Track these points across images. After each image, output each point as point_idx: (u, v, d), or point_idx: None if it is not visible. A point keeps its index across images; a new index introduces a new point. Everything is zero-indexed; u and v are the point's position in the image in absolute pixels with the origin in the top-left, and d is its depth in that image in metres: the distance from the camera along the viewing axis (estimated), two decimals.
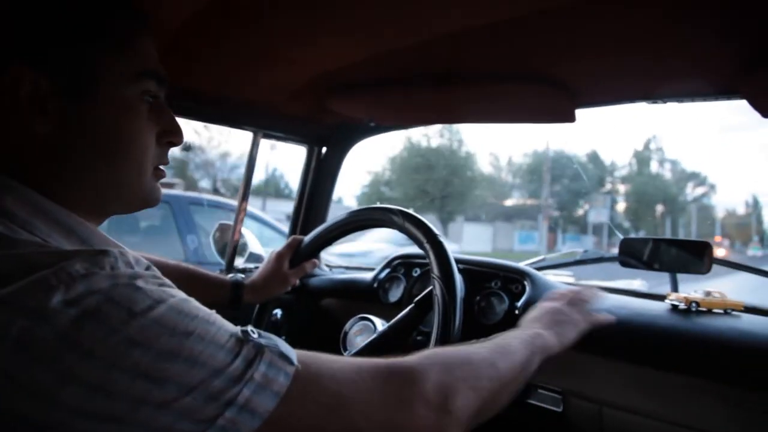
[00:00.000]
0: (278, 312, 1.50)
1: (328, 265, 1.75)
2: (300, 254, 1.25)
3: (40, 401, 0.45)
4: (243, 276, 1.24)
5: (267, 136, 1.48)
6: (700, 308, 1.13)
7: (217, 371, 0.49)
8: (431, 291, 1.04)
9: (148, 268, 0.54)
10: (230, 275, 1.25)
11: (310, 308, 1.61)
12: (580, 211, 38.12)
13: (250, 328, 0.54)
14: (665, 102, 1.13)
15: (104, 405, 0.46)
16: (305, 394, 0.53)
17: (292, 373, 0.53)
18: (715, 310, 1.13)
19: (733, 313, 1.13)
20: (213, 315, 0.54)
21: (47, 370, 0.45)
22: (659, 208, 43.61)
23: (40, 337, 0.45)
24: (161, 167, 0.68)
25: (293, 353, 0.55)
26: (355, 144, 1.65)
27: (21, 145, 0.57)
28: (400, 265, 1.50)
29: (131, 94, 0.61)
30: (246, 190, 1.52)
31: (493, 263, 1.36)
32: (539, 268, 1.41)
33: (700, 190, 50.01)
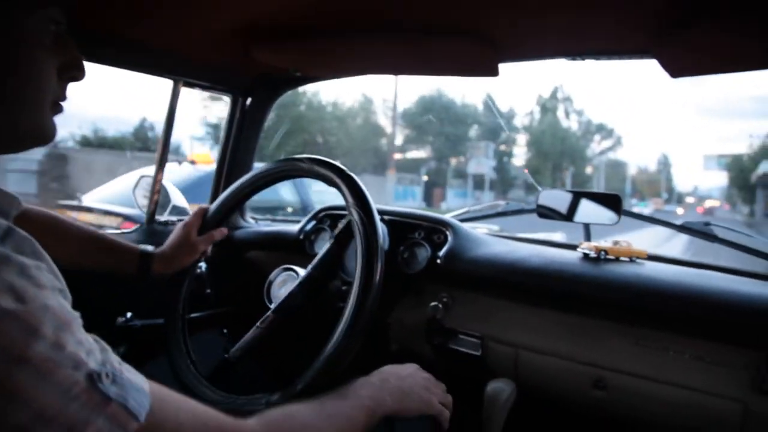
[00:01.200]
0: (203, 266, 1.48)
1: (253, 218, 1.73)
2: (209, 221, 1.21)
3: None
4: (152, 247, 1.16)
5: (188, 85, 1.42)
6: (609, 256, 1.20)
7: (42, 418, 0.42)
8: (350, 222, 1.04)
9: (6, 235, 0.46)
10: (140, 245, 1.18)
11: (235, 261, 1.59)
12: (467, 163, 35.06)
13: (108, 368, 0.48)
14: (583, 59, 1.17)
15: None
16: None
17: (133, 431, 0.47)
18: (622, 258, 1.21)
19: (638, 260, 1.22)
20: (65, 331, 0.45)
21: None
22: (562, 161, 42.69)
23: None
24: (59, 103, 0.63)
25: (145, 405, 0.49)
26: (280, 95, 1.61)
27: None
28: (326, 217, 1.50)
29: (34, 21, 0.56)
30: (166, 141, 1.46)
31: (416, 214, 1.39)
32: (463, 220, 1.45)
33: (606, 143, 49.31)
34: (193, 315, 1.17)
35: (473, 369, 1.27)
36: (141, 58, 1.30)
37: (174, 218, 1.51)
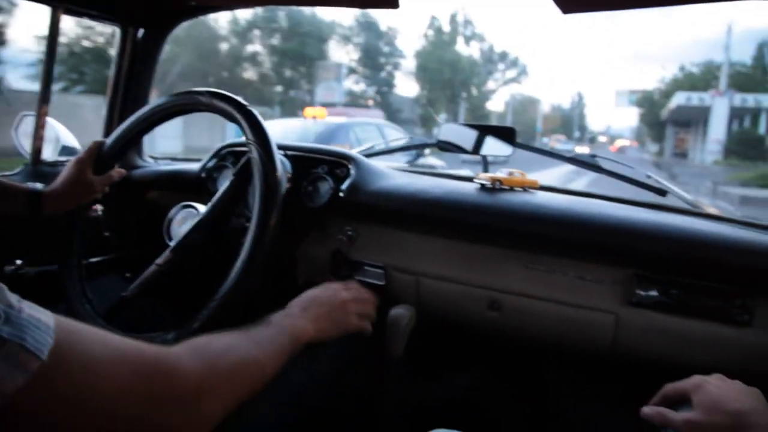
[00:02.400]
0: (99, 208, 1.42)
1: (152, 157, 1.67)
2: (105, 156, 1.14)
3: None
4: (41, 185, 1.11)
5: (69, 12, 1.31)
6: (503, 186, 1.26)
7: None
8: (249, 158, 1.03)
9: None
10: (28, 183, 1.12)
11: (134, 202, 1.54)
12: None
13: (8, 307, 0.46)
14: None
15: None
16: (46, 389, 0.47)
17: (34, 370, 0.45)
18: (516, 188, 1.27)
19: (530, 190, 1.28)
20: None
21: None
22: (460, 92, 39.45)
23: None
24: None
25: (46, 342, 0.47)
26: (176, 25, 1.52)
27: None
28: (228, 154, 1.47)
29: None
30: (48, 74, 1.35)
31: (320, 149, 1.39)
32: (368, 155, 1.46)
33: (511, 73, 45.89)
34: (91, 260, 1.13)
35: (378, 298, 1.31)
36: None
37: (63, 158, 1.43)
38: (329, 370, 1.08)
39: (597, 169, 1.39)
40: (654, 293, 1.06)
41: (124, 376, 0.52)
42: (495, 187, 1.25)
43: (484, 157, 1.46)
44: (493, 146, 1.38)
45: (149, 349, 0.56)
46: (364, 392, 1.16)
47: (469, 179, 1.35)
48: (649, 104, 48.25)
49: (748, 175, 18.76)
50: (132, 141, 1.15)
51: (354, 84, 35.61)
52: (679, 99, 35.59)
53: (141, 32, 1.49)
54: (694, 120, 39.51)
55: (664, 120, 43.56)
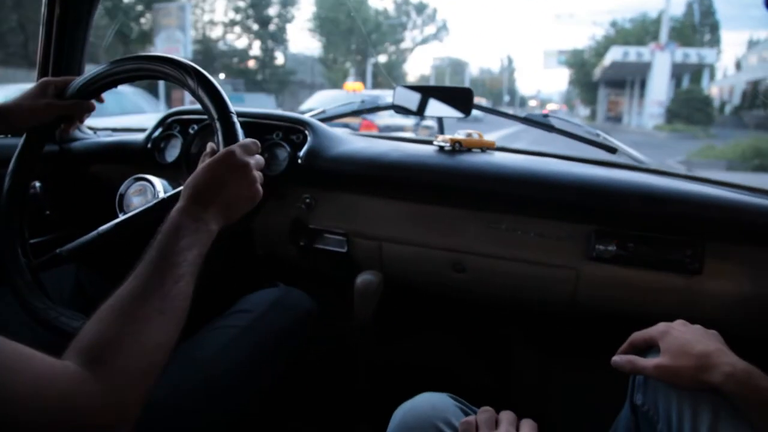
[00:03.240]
0: (36, 184, 1.32)
1: (91, 128, 1.57)
2: (72, 90, 0.99)
3: None
4: None
5: None
6: (462, 148, 1.26)
7: None
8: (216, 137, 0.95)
9: None
10: None
11: (77, 177, 1.44)
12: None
13: None
14: None
15: None
16: None
17: None
18: (474, 150, 1.27)
19: (488, 151, 1.29)
20: None
21: None
22: (366, 49, 33.28)
23: None
24: None
25: None
26: None
27: None
28: (175, 123, 1.40)
29: None
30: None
31: (273, 114, 1.34)
32: (322, 120, 1.43)
33: (430, 30, 39.06)
34: (33, 240, 1.04)
35: (340, 265, 1.30)
36: None
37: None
38: (283, 341, 1.05)
39: (550, 128, 1.41)
40: (612, 248, 1.10)
41: (36, 408, 0.47)
42: (455, 149, 1.25)
43: (440, 120, 1.45)
44: (448, 109, 1.38)
45: (61, 375, 0.50)
46: (334, 358, 1.15)
47: (428, 142, 1.34)
48: (580, 64, 43.78)
49: (726, 150, 13.39)
50: (109, 84, 0.97)
51: (237, 38, 30.14)
52: (614, 54, 31.35)
53: None
54: (629, 79, 35.89)
55: (596, 81, 40.32)
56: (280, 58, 31.13)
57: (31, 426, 0.46)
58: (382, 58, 36.50)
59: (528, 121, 1.43)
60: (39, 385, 0.47)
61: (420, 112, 1.38)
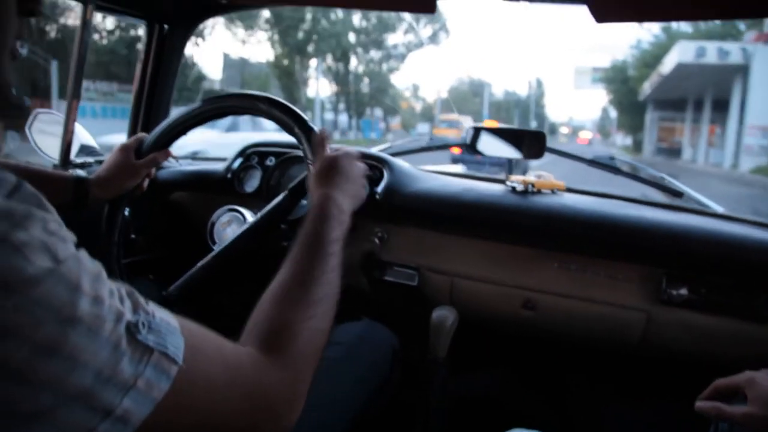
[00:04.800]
0: (125, 210, 1.40)
1: (174, 157, 1.65)
2: (149, 144, 1.12)
3: None
4: (84, 172, 1.11)
5: (100, 9, 1.29)
6: (534, 189, 1.29)
7: (101, 377, 0.41)
8: (305, 177, 1.03)
9: (16, 190, 0.42)
10: (71, 171, 1.11)
11: (160, 203, 1.52)
12: None
13: (140, 315, 0.46)
14: (518, 0, 1.20)
15: None
16: (181, 396, 0.47)
17: (174, 376, 0.46)
18: (544, 191, 1.31)
19: (558, 192, 1.33)
20: (98, 282, 0.44)
21: None
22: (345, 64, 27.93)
23: None
24: (17, 44, 0.53)
25: (180, 347, 0.48)
26: (200, 22, 1.51)
27: None
28: (253, 155, 1.47)
29: None
30: (78, 75, 1.33)
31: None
32: (391, 155, 1.48)
33: (426, 31, 29.81)
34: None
35: (410, 299, 1.34)
36: None
37: (91, 159, 1.40)
38: (372, 374, 1.09)
39: (617, 171, 1.44)
40: (684, 292, 1.12)
41: (232, 394, 0.52)
42: (527, 190, 1.29)
43: (509, 161, 1.49)
44: (517, 150, 1.41)
45: (247, 361, 0.55)
46: (407, 393, 1.18)
47: (501, 182, 1.38)
48: (621, 80, 34.04)
49: None
50: (178, 135, 1.10)
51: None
52: (681, 54, 19.86)
53: (166, 28, 1.47)
54: (694, 96, 25.13)
55: (643, 100, 30.87)
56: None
57: (228, 409, 0.52)
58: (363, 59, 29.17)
59: (593, 163, 1.47)
60: (232, 371, 0.53)
61: (490, 152, 1.43)
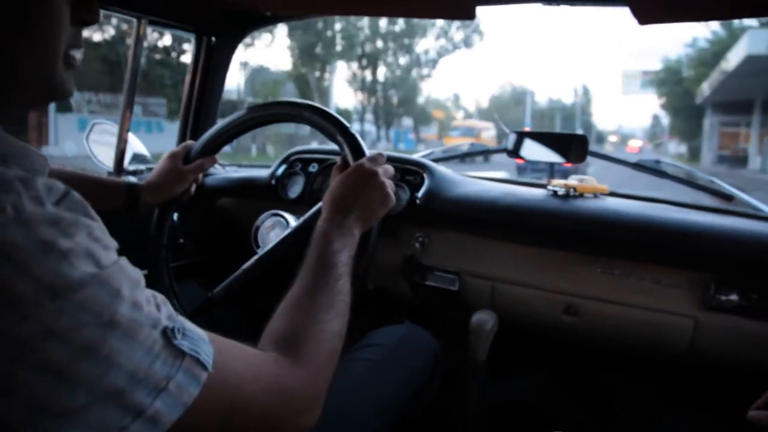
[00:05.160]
0: (174, 215, 1.46)
1: (221, 164, 1.71)
2: (197, 151, 1.17)
3: None
4: (136, 178, 1.16)
5: (153, 24, 1.35)
6: (575, 193, 1.28)
7: (135, 378, 0.43)
8: None
9: (63, 197, 0.45)
10: (125, 178, 1.17)
11: (207, 209, 1.57)
12: None
13: (176, 322, 0.49)
14: (559, 4, 1.20)
15: None
16: (209, 402, 0.49)
17: (204, 381, 0.48)
18: (586, 195, 1.29)
19: (600, 196, 1.31)
20: (138, 289, 0.46)
21: None
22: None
23: None
24: (72, 52, 0.56)
25: (210, 354, 0.50)
26: (246, 34, 1.56)
27: None
28: (297, 161, 1.51)
29: None
30: (131, 87, 1.39)
31: (390, 156, 1.41)
32: (434, 161, 1.49)
33: (459, 35, 27.97)
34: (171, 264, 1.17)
35: (451, 303, 1.34)
36: None
37: (142, 166, 1.47)
38: (413, 377, 1.10)
39: (663, 174, 1.41)
40: (734, 297, 1.08)
41: (257, 393, 0.55)
42: (568, 194, 1.27)
43: (551, 165, 1.48)
44: (559, 155, 1.40)
45: (270, 364, 0.59)
46: (447, 397, 1.18)
47: (542, 186, 1.37)
48: (674, 82, 30.47)
49: None
50: (225, 142, 1.15)
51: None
52: (752, 44, 16.81)
53: (214, 40, 1.53)
54: (765, 93, 21.22)
55: (701, 104, 27.93)
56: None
57: (255, 405, 0.55)
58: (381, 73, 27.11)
59: (639, 166, 1.44)
60: (256, 369, 0.56)
61: (532, 157, 1.42)
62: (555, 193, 1.29)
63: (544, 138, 1.39)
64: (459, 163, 1.61)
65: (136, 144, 1.54)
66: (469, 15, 1.25)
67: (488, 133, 28.70)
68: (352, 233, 0.83)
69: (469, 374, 1.18)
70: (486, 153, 1.57)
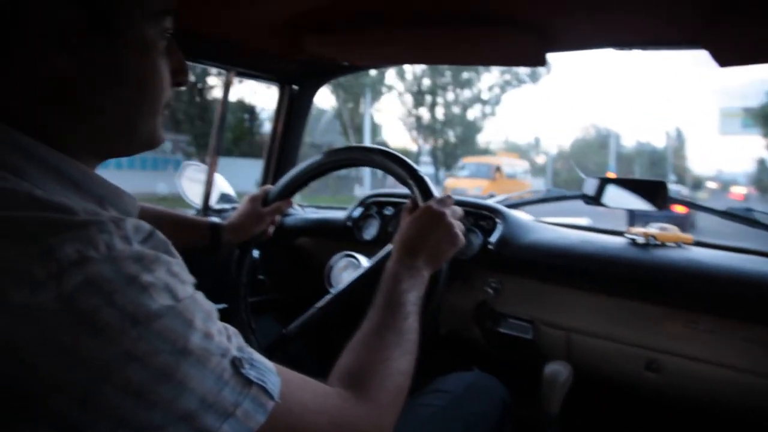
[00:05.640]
0: (255, 252, 1.53)
1: (300, 205, 1.78)
2: (274, 195, 1.24)
3: (21, 404, 0.42)
4: (219, 219, 1.24)
5: (240, 75, 1.46)
6: (656, 242, 1.23)
7: (205, 403, 0.47)
8: None
9: (149, 237, 0.50)
10: (207, 217, 1.25)
11: (286, 247, 1.64)
12: None
13: (245, 353, 0.52)
14: (631, 49, 1.18)
15: (85, 419, 0.43)
16: (274, 430, 0.52)
17: (270, 410, 0.51)
18: (668, 244, 1.23)
19: (684, 246, 1.25)
20: (210, 321, 0.50)
21: (33, 377, 0.42)
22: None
23: (26, 339, 0.41)
24: (166, 108, 0.64)
25: (277, 385, 0.53)
26: (326, 82, 1.65)
27: (32, 83, 0.52)
28: (373, 204, 1.54)
29: (152, 31, 0.58)
30: (220, 131, 1.50)
31: (464, 201, 1.42)
32: (509, 206, 1.48)
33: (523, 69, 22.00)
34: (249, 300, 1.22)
35: (524, 352, 1.31)
36: (197, 49, 1.33)
37: (228, 206, 1.56)
38: (480, 426, 1.07)
39: (755, 224, 1.32)
40: None
41: (321, 424, 0.57)
42: (648, 243, 1.22)
43: (631, 212, 1.43)
44: (639, 201, 1.35)
45: (335, 397, 0.61)
46: None
47: (620, 234, 1.33)
48: None
49: None
50: (301, 185, 1.21)
51: None
52: None
53: (296, 88, 1.62)
54: None
55: None
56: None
57: None
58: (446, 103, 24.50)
59: (730, 215, 1.36)
60: (321, 402, 0.59)
61: (609, 203, 1.38)
62: (634, 241, 1.24)
63: (620, 183, 1.35)
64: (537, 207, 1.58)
65: (222, 184, 1.64)
66: (540, 62, 1.25)
67: (513, 169, 22.89)
68: (421, 274, 0.85)
69: (541, 427, 1.14)
70: (563, 199, 1.54)
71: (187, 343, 0.46)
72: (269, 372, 0.53)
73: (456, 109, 25.37)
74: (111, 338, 0.43)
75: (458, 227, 0.92)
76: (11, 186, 0.47)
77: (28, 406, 0.42)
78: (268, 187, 1.25)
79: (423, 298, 0.83)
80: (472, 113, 25.49)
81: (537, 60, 1.28)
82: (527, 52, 1.27)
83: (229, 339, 0.51)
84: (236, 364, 0.50)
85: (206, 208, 1.54)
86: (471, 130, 25.95)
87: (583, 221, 1.68)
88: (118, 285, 0.44)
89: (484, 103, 25.54)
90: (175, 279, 0.48)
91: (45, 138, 0.53)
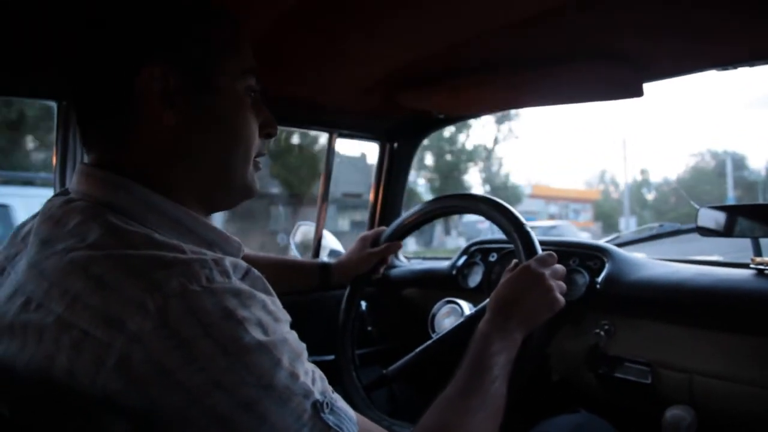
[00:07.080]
0: (363, 304, 1.58)
1: (406, 256, 1.82)
2: (385, 236, 1.30)
3: (127, 421, 0.47)
4: (328, 259, 1.32)
5: (342, 136, 1.56)
6: None
7: None
8: None
9: (246, 274, 0.54)
10: (319, 259, 1.33)
11: (393, 298, 1.68)
12: None
13: (327, 397, 0.54)
14: (735, 68, 1.12)
15: None
16: None
17: None
18: None
19: None
20: (298, 361, 0.53)
21: (138, 395, 0.47)
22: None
23: (135, 362, 0.47)
24: (259, 158, 0.70)
25: None
26: (425, 136, 1.71)
27: (146, 139, 0.60)
28: (476, 252, 1.55)
29: (240, 88, 0.65)
30: (326, 190, 1.60)
31: (570, 242, 1.39)
32: (617, 245, 1.42)
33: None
34: (358, 351, 1.28)
35: (643, 398, 1.22)
36: (298, 114, 1.45)
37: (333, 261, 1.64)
38: None
39: None
40: None
41: None
42: None
43: (756, 241, 1.32)
44: (762, 228, 1.24)
45: None
46: None
47: (740, 266, 1.22)
48: None
49: None
50: (411, 229, 1.27)
51: None
52: None
53: (395, 144, 1.69)
54: None
55: None
56: None
57: None
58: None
59: None
60: None
61: (728, 233, 1.28)
62: (761, 272, 1.14)
63: (738, 211, 1.25)
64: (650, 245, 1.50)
65: (331, 240, 1.72)
66: (638, 93, 1.22)
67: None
68: (513, 337, 0.85)
69: None
70: (677, 234, 1.45)
71: (273, 380, 0.49)
72: (348, 420, 0.55)
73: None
74: (203, 366, 0.47)
75: (558, 288, 0.91)
76: (135, 230, 0.54)
77: (129, 419, 0.48)
78: (381, 228, 1.32)
79: (513, 362, 0.82)
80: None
81: (635, 91, 1.25)
82: (625, 84, 1.24)
83: (313, 382, 0.54)
84: (317, 407, 0.52)
85: None
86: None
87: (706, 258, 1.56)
88: (215, 317, 0.48)
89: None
90: (269, 316, 0.52)
91: (164, 190, 0.60)
